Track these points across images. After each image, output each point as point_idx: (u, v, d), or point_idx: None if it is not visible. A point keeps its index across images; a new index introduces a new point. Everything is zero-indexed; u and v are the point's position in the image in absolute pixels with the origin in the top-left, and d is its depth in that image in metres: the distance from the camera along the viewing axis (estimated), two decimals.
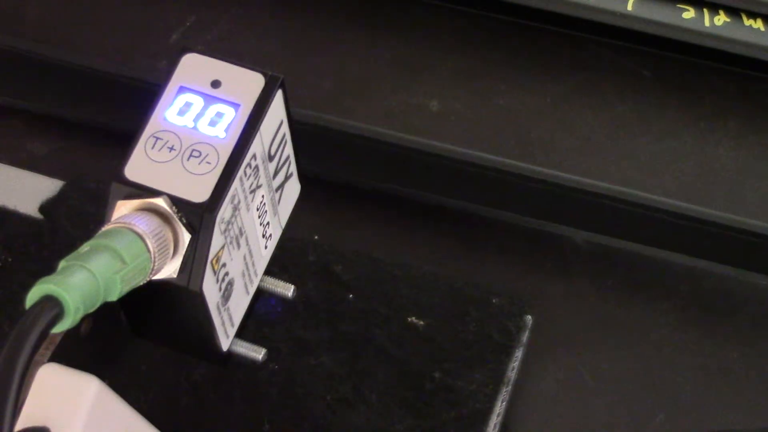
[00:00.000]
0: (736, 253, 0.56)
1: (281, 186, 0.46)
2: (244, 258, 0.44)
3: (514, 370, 0.53)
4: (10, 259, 0.55)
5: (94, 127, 0.61)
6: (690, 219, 0.56)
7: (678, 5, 0.60)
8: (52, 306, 0.34)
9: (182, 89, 0.42)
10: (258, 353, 0.46)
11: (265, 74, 0.42)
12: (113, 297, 0.37)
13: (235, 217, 0.42)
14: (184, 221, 0.40)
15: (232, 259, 0.42)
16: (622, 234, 0.57)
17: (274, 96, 0.42)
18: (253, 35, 0.65)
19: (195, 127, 0.41)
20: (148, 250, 0.38)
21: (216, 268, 0.41)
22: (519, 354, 0.53)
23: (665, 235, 0.57)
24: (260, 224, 0.45)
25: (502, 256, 0.58)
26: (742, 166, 0.61)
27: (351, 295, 0.54)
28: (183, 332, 0.44)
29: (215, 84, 0.42)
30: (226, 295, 0.43)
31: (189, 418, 0.51)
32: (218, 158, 0.41)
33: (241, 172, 0.41)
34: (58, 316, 0.34)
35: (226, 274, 0.42)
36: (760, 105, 0.62)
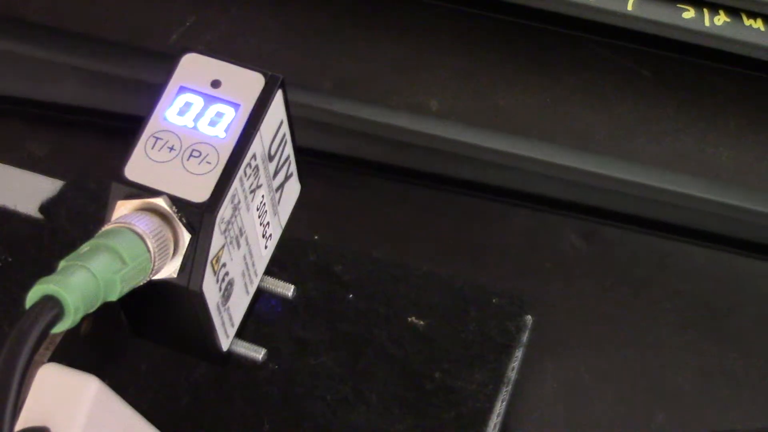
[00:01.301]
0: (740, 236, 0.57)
1: (281, 186, 0.46)
2: (244, 258, 0.44)
3: (514, 370, 0.53)
4: (10, 259, 0.55)
5: (94, 127, 0.61)
6: (690, 208, 0.56)
7: (678, 5, 0.60)
8: (52, 306, 0.34)
9: (182, 89, 0.42)
10: (258, 353, 0.46)
11: (265, 74, 0.42)
12: (113, 297, 0.37)
13: (235, 217, 0.42)
14: (184, 221, 0.40)
15: (232, 259, 0.43)
16: (622, 225, 0.57)
17: (274, 96, 0.42)
18: (253, 35, 0.65)
19: (195, 127, 0.41)
20: (148, 250, 0.38)
21: (216, 268, 0.41)
22: (519, 354, 0.53)
23: (665, 225, 0.57)
24: (260, 224, 0.45)
25: (501, 256, 0.58)
26: (742, 166, 0.61)
27: (351, 295, 0.54)
28: (183, 332, 0.44)
29: (215, 84, 0.42)
30: (226, 295, 0.43)
31: (189, 418, 0.51)
32: (218, 158, 0.41)
33: (241, 172, 0.41)
34: (58, 316, 0.34)
35: (226, 274, 0.42)
36: (760, 105, 0.62)
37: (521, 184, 0.58)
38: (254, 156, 0.42)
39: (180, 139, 0.41)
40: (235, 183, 0.41)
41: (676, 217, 0.57)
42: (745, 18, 0.60)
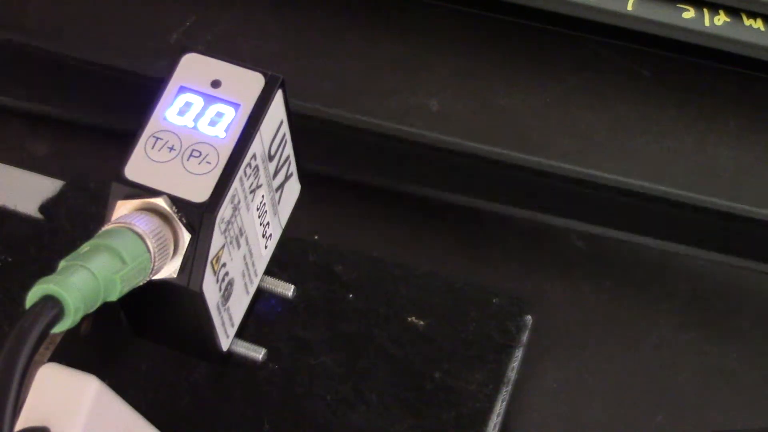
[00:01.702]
0: (738, 242, 0.57)
1: (281, 186, 0.46)
2: (244, 258, 0.44)
3: (514, 370, 0.53)
4: (10, 259, 0.55)
5: (94, 127, 0.61)
6: (690, 208, 0.56)
7: (678, 5, 0.60)
8: (52, 306, 0.34)
9: (182, 89, 0.42)
10: (258, 353, 0.46)
11: (265, 74, 0.42)
12: (113, 297, 0.37)
13: (235, 217, 0.42)
14: (184, 221, 0.40)
15: (232, 259, 0.43)
16: (622, 225, 0.58)
17: (274, 96, 0.42)
18: (253, 35, 0.65)
19: (195, 127, 0.41)
20: (148, 250, 0.38)
21: (216, 268, 0.41)
22: (519, 354, 0.53)
23: (665, 225, 0.57)
24: (260, 224, 0.45)
25: (502, 256, 0.58)
26: (742, 166, 0.61)
27: (351, 295, 0.54)
28: (183, 332, 0.44)
29: (215, 84, 0.42)
30: (226, 295, 0.43)
31: (189, 418, 0.51)
32: (218, 158, 0.41)
33: (241, 172, 0.41)
34: (58, 316, 0.34)
35: (226, 274, 0.42)
36: (760, 105, 0.62)
37: (522, 186, 0.58)
38: (254, 156, 0.42)
39: (180, 139, 0.41)
40: (235, 183, 0.41)
41: (676, 221, 0.57)
42: (745, 18, 0.60)
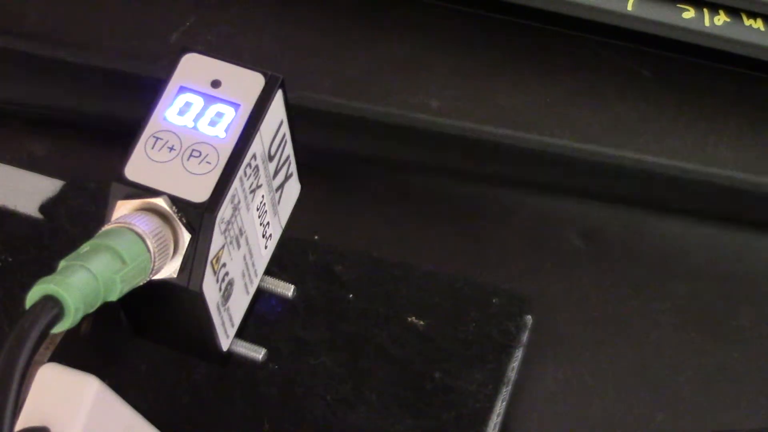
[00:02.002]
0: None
1: (281, 186, 0.46)
2: (244, 258, 0.44)
3: (514, 370, 0.53)
4: (10, 259, 0.55)
5: (94, 127, 0.61)
6: (691, 181, 0.57)
7: (678, 5, 0.60)
8: (52, 306, 0.34)
9: (182, 89, 0.42)
10: (258, 353, 0.46)
11: (265, 74, 0.42)
12: (113, 297, 0.37)
13: (235, 217, 0.42)
14: (184, 221, 0.40)
15: (232, 259, 0.43)
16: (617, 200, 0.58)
17: (274, 96, 0.42)
18: (253, 35, 0.65)
19: (195, 127, 0.41)
20: (148, 250, 0.38)
21: (216, 268, 0.41)
22: (519, 354, 0.53)
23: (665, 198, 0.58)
24: (260, 224, 0.45)
25: (502, 256, 0.58)
26: (742, 166, 0.61)
27: (351, 295, 0.54)
28: (183, 332, 0.44)
29: (215, 84, 0.42)
30: (226, 295, 0.43)
31: (189, 418, 0.51)
32: (218, 158, 0.41)
33: (241, 172, 0.41)
34: (58, 316, 0.34)
35: (226, 274, 0.42)
36: (760, 105, 0.62)
37: (522, 174, 0.58)
38: (254, 156, 0.42)
39: (180, 139, 0.41)
40: (235, 183, 0.41)
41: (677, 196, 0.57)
42: (745, 18, 0.60)
